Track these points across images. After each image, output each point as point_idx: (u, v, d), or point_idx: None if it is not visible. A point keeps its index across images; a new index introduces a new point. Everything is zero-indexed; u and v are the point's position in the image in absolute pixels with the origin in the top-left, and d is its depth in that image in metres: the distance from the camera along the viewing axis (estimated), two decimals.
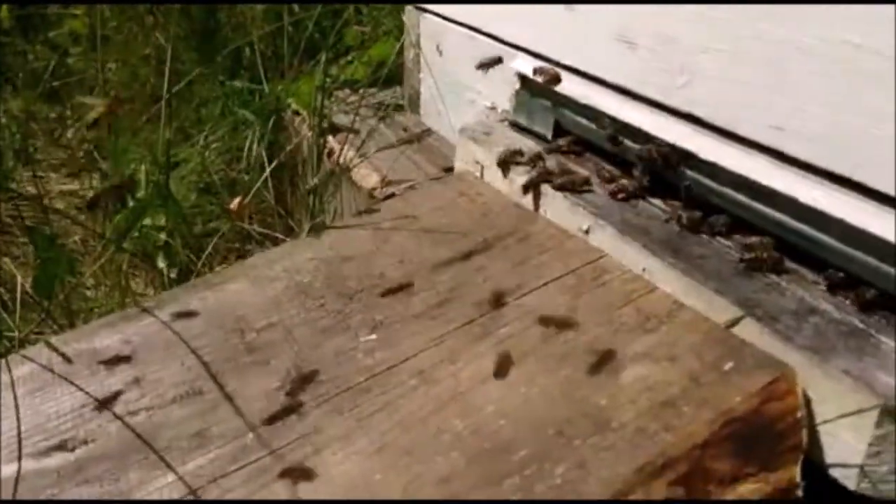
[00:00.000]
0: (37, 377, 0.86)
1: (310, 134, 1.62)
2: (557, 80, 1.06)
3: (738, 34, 0.84)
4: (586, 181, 1.00)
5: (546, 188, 1.00)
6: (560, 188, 0.99)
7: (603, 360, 0.76)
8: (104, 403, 0.81)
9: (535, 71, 1.09)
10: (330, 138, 1.63)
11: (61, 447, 0.77)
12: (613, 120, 1.00)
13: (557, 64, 1.08)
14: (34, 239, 1.17)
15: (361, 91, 1.71)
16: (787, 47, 0.79)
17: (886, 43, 0.70)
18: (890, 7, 0.69)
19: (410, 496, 0.66)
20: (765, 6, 0.80)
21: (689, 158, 0.91)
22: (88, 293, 1.44)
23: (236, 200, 1.50)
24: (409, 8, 1.52)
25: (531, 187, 1.02)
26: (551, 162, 1.05)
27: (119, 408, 0.80)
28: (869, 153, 0.74)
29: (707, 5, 0.86)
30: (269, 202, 1.68)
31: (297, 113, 1.81)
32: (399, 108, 1.69)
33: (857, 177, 0.75)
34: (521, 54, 1.16)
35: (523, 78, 1.15)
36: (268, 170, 1.60)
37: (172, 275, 1.45)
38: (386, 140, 1.59)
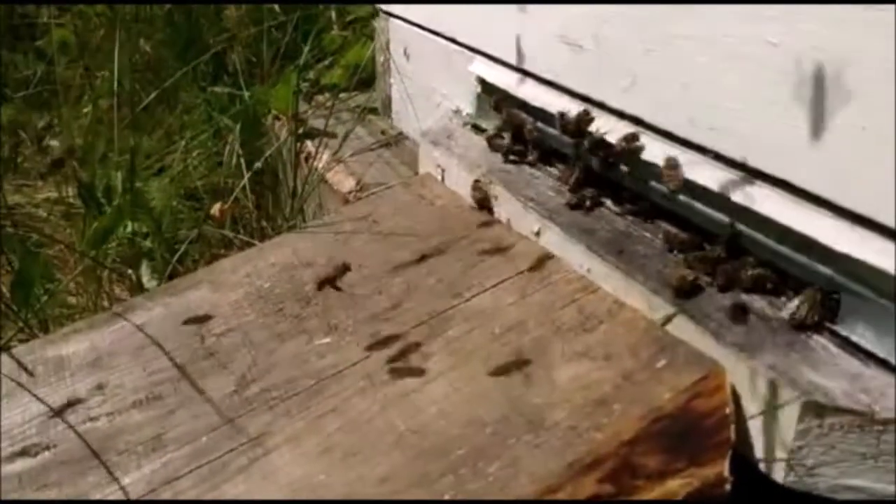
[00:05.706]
0: (6, 384, 0.89)
1: (289, 138, 1.65)
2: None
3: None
4: None
5: (500, 191, 1.02)
6: None
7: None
8: (67, 409, 0.84)
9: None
10: (308, 142, 1.65)
11: (25, 453, 0.80)
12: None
13: (512, 67, 1.10)
14: (11, 246, 1.20)
15: (339, 95, 1.73)
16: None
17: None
18: None
19: (351, 496, 0.69)
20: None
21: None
22: (71, 300, 1.47)
23: (217, 206, 1.53)
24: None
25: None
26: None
27: (81, 413, 0.83)
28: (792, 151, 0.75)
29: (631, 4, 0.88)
30: (250, 207, 1.71)
31: (277, 118, 1.84)
32: (375, 111, 1.71)
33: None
34: (479, 57, 1.17)
35: (483, 81, 1.16)
36: (246, 175, 1.62)
37: (154, 282, 1.47)
38: (362, 143, 1.61)
